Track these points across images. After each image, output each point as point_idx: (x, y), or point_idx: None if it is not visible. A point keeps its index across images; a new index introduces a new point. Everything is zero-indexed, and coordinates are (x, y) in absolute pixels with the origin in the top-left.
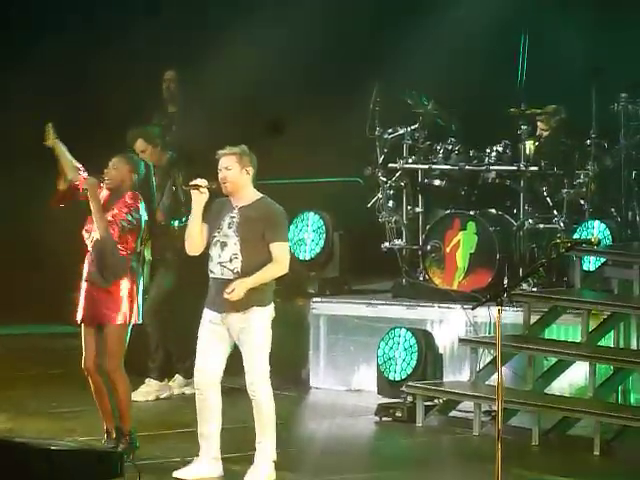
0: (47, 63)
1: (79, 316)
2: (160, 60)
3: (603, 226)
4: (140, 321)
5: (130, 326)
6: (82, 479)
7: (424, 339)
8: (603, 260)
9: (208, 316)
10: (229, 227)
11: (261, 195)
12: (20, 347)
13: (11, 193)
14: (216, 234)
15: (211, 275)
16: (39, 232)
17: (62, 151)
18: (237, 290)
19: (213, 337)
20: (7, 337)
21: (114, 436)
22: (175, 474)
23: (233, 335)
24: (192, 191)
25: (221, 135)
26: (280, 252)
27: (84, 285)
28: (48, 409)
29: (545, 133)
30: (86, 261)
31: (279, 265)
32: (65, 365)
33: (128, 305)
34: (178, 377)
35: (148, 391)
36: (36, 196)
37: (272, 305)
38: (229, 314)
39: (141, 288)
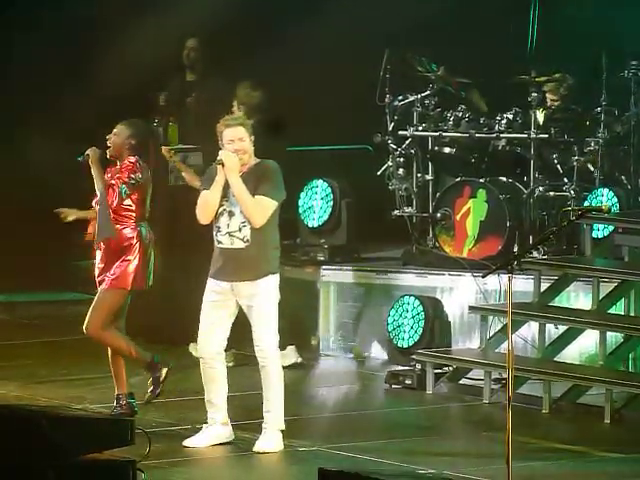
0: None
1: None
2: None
3: (611, 194)
4: (149, 287)
5: (127, 292)
6: (92, 446)
7: (431, 306)
8: (611, 228)
9: (213, 286)
10: (234, 195)
11: (259, 159)
12: (30, 315)
13: (22, 158)
14: (224, 203)
15: (219, 245)
16: (46, 200)
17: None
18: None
19: (218, 306)
20: (17, 305)
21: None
22: (185, 442)
23: (241, 303)
24: (218, 166)
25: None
26: (265, 204)
27: (98, 252)
28: (58, 377)
29: (555, 103)
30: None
31: (259, 207)
32: (75, 333)
33: (130, 271)
34: None
35: None
36: (47, 163)
37: (277, 275)
38: (239, 283)
39: (152, 254)
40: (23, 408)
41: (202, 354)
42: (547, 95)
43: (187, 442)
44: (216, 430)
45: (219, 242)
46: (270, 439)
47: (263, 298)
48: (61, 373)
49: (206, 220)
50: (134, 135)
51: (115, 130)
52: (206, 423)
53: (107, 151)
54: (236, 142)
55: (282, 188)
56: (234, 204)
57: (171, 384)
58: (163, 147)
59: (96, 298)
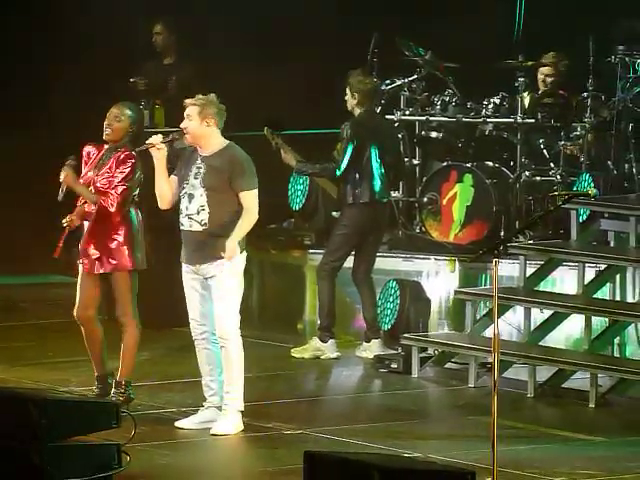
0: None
1: (81, 265)
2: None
3: (590, 179)
4: (145, 267)
5: (136, 273)
6: (78, 430)
7: (409, 290)
8: (588, 211)
9: (185, 269)
10: (195, 178)
11: (227, 142)
12: (16, 298)
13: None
14: (184, 186)
15: (181, 228)
16: (37, 183)
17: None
18: (228, 252)
19: (194, 287)
20: (3, 287)
21: (106, 383)
22: (177, 423)
23: (208, 282)
24: (150, 150)
25: (225, 87)
26: (250, 201)
27: (85, 235)
28: (44, 359)
29: (550, 79)
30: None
31: (251, 214)
32: (61, 315)
33: (129, 252)
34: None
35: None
36: (35, 152)
37: (244, 254)
38: (200, 265)
39: (140, 234)
40: (8, 390)
41: (194, 337)
42: (542, 73)
43: (179, 423)
44: (211, 413)
45: (181, 224)
46: (229, 421)
47: (221, 279)
48: (47, 356)
49: (164, 205)
50: (136, 122)
51: (116, 113)
52: (202, 406)
53: (105, 134)
54: (185, 120)
55: (254, 173)
56: (195, 187)
57: (157, 367)
58: (266, 128)
59: (117, 286)
